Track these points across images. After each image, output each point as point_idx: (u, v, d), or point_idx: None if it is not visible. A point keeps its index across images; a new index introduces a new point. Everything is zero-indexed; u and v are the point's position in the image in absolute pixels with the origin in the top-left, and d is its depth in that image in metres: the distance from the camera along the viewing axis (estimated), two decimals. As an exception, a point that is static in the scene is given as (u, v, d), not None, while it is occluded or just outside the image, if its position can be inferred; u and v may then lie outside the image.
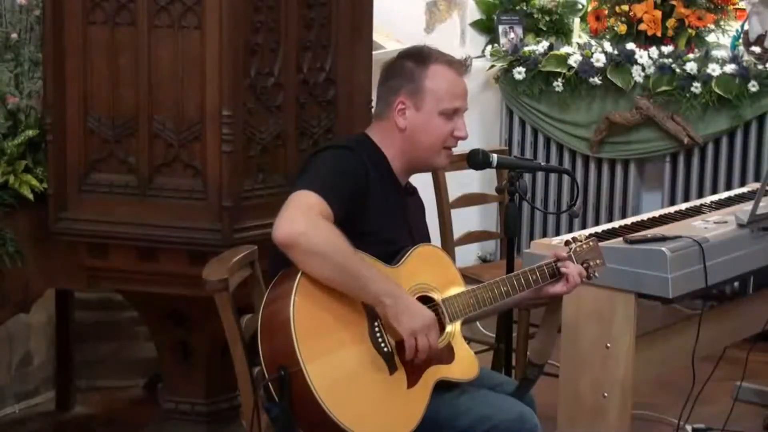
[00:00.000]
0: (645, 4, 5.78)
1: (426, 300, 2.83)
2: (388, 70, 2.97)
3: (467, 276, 3.04)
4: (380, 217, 2.83)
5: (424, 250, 2.91)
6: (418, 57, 2.94)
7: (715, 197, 4.29)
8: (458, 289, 2.91)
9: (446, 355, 2.83)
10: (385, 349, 2.69)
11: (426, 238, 3.08)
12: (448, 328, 2.84)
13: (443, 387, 2.82)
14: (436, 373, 2.79)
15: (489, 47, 6.18)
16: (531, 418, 2.86)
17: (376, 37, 4.21)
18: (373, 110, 3.52)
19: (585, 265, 3.06)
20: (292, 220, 2.64)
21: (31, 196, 3.39)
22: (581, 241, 3.10)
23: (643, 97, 5.64)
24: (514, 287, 2.95)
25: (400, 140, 2.92)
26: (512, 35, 6.18)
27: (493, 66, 6.08)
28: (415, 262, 2.86)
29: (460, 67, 2.96)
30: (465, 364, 2.88)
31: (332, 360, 2.61)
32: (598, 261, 3.11)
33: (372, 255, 2.76)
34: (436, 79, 2.91)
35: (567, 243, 3.11)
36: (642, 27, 5.81)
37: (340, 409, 2.57)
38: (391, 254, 2.84)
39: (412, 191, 3.06)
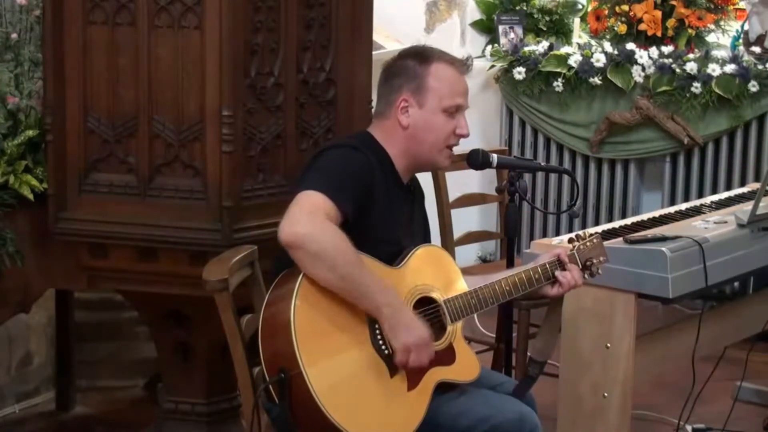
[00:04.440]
0: (645, 4, 5.78)
1: (428, 301, 2.83)
2: (389, 70, 2.97)
3: (467, 276, 3.03)
4: (384, 217, 2.83)
5: (425, 251, 2.91)
6: (420, 56, 2.95)
7: (715, 197, 4.29)
8: (460, 288, 2.91)
9: (447, 356, 2.83)
10: (386, 352, 2.69)
11: (426, 230, 3.08)
12: (449, 329, 2.84)
13: (443, 387, 2.81)
14: (436, 375, 2.79)
15: (489, 47, 6.18)
16: (531, 418, 2.86)
17: (376, 37, 4.21)
18: (373, 110, 3.53)
19: (588, 263, 3.06)
20: (297, 221, 2.63)
21: (31, 196, 3.38)
22: (585, 239, 3.10)
23: (643, 97, 5.64)
24: (516, 287, 2.94)
25: (403, 138, 2.92)
26: (512, 35, 6.19)
27: (493, 66, 6.08)
28: (416, 263, 2.86)
29: (462, 65, 2.97)
30: (466, 365, 2.87)
31: (332, 363, 2.61)
32: (601, 258, 3.10)
33: (374, 255, 2.76)
34: (438, 76, 2.91)
35: (571, 240, 3.11)
36: (642, 27, 5.81)
37: (340, 412, 2.56)
38: (393, 254, 2.84)
39: (414, 186, 3.04)
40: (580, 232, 3.18)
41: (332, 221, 2.66)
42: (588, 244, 3.09)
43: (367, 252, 2.74)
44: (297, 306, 2.59)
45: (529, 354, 3.11)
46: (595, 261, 3.07)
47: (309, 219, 2.63)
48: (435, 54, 2.95)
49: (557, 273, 2.98)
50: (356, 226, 2.73)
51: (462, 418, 2.80)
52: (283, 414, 2.60)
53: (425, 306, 2.82)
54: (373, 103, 3.53)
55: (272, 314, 2.64)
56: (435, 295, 2.85)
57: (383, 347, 2.69)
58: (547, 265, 2.99)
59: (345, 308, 2.67)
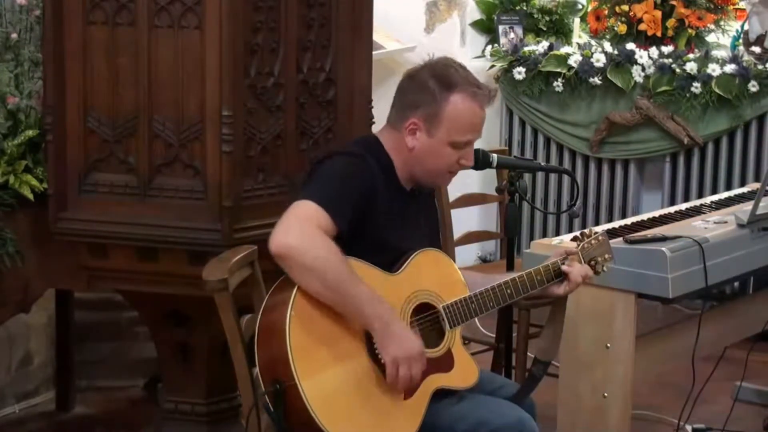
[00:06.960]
0: (645, 4, 5.78)
1: (426, 307, 2.82)
2: (411, 81, 2.87)
3: (468, 272, 3.02)
4: (384, 223, 2.81)
5: (425, 256, 2.88)
6: (444, 80, 2.83)
7: (715, 197, 4.29)
8: (460, 293, 2.87)
9: (445, 362, 2.81)
10: (382, 361, 2.67)
11: (434, 238, 3.06)
12: (448, 334, 2.82)
13: (442, 393, 2.80)
14: (434, 382, 2.77)
15: (489, 47, 6.18)
16: (529, 423, 2.83)
17: (376, 37, 4.21)
18: (372, 109, 3.54)
19: (593, 262, 3.03)
20: (287, 231, 2.62)
21: (31, 196, 3.39)
22: (590, 237, 3.06)
23: (643, 97, 5.64)
24: (518, 290, 2.91)
25: (406, 156, 2.87)
26: (512, 35, 6.18)
27: (493, 66, 6.08)
28: (415, 268, 2.83)
29: (484, 98, 2.86)
30: (464, 371, 2.85)
31: (328, 373, 2.60)
32: (606, 256, 3.06)
33: (373, 260, 2.74)
34: (456, 110, 2.82)
35: (575, 239, 3.08)
36: (642, 27, 5.81)
37: (335, 424, 2.56)
38: (392, 260, 2.82)
39: (419, 192, 2.99)
40: (585, 231, 3.14)
41: (325, 232, 2.64)
42: (593, 242, 3.05)
43: (366, 257, 2.73)
44: (292, 316, 2.58)
45: (533, 353, 3.08)
46: (599, 259, 3.04)
47: (300, 230, 2.61)
48: (460, 81, 2.83)
49: (563, 266, 2.95)
50: (355, 232, 2.72)
51: (460, 422, 2.78)
52: (278, 425, 2.59)
53: (424, 312, 2.81)
54: (374, 103, 3.54)
55: (268, 322, 2.63)
56: (434, 301, 2.82)
57: (379, 356, 2.67)
58: (550, 266, 2.96)
59: (341, 317, 2.65)
